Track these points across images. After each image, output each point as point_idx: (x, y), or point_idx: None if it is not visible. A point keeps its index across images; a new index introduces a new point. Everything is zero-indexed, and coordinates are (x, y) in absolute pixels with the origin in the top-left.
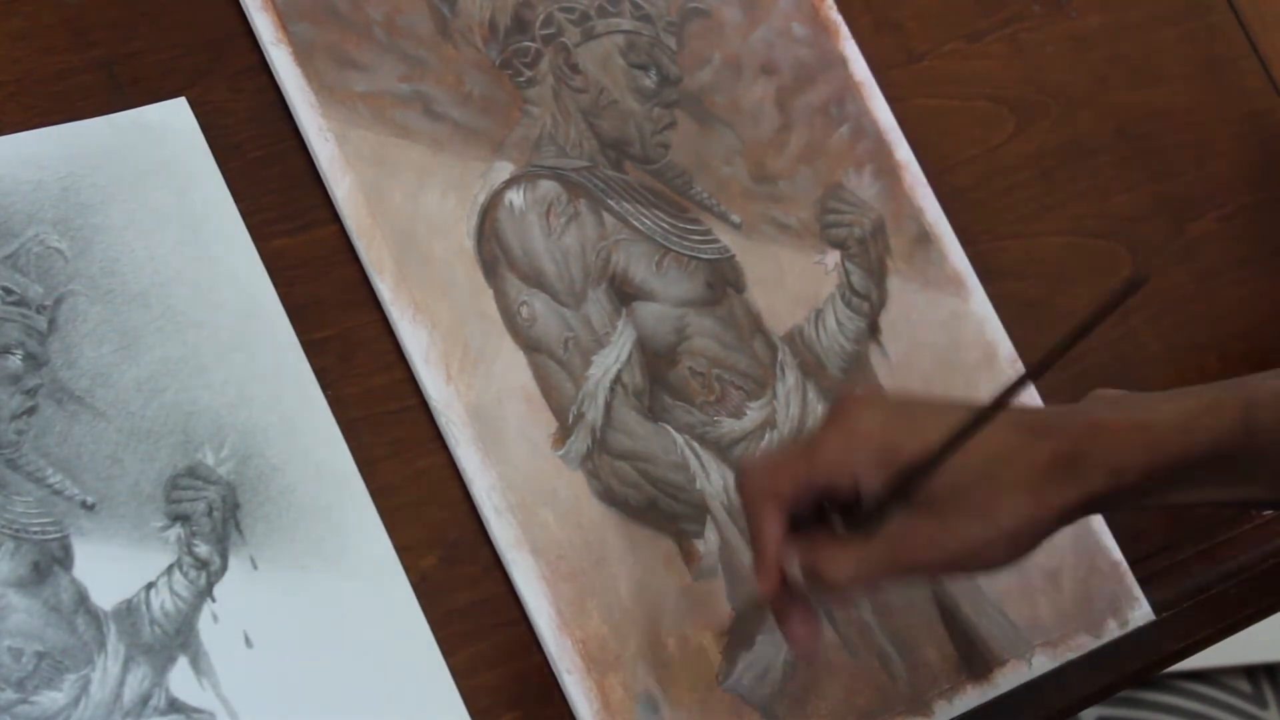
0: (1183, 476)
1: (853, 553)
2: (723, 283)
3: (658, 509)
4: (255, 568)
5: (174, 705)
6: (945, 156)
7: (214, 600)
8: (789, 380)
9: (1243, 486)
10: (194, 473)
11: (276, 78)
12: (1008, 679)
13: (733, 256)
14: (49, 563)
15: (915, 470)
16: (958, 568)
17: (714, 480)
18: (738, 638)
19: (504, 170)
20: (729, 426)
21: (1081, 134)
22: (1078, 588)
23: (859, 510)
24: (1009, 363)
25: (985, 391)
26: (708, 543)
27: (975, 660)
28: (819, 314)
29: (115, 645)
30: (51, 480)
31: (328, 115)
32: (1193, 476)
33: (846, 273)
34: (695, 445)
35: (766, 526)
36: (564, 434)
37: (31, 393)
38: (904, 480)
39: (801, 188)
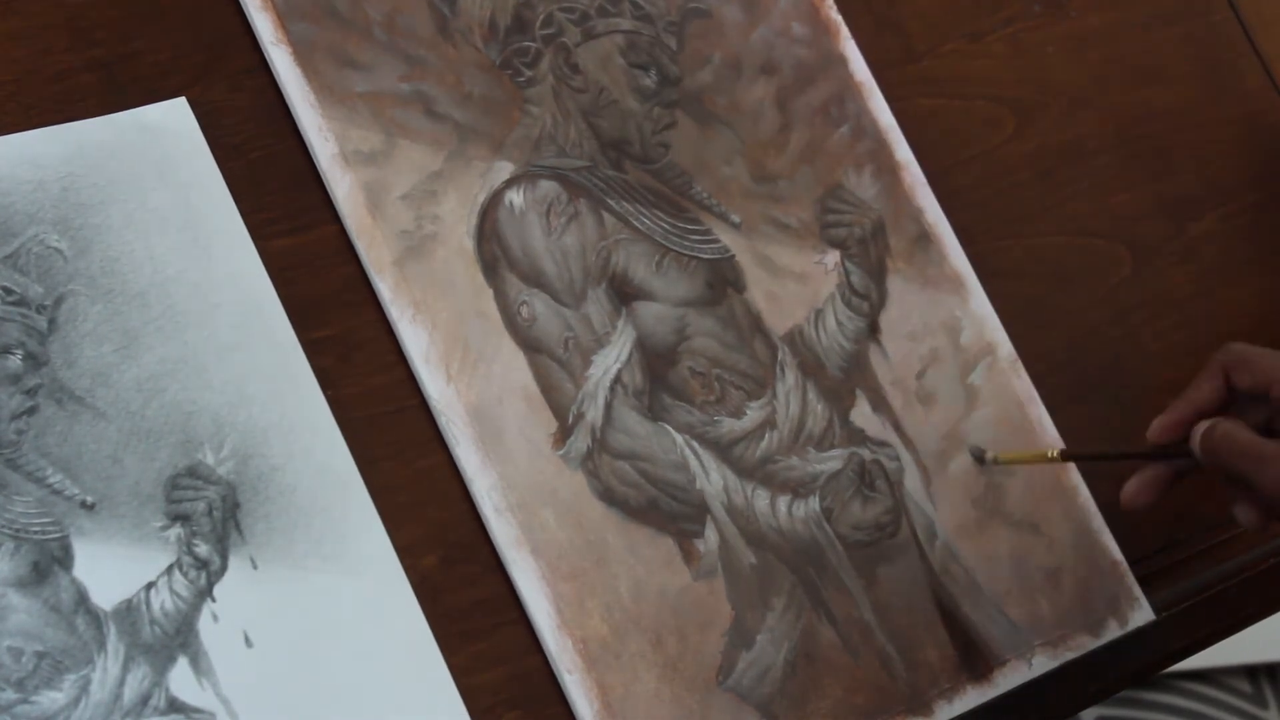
0: None
1: (1253, 438)
2: (723, 283)
3: (658, 509)
4: (255, 568)
5: (174, 705)
6: (945, 156)
7: (214, 600)
8: (789, 380)
9: None
10: (194, 473)
11: (276, 78)
12: (1008, 679)
13: (733, 256)
14: (49, 563)
15: None
16: None
17: (714, 480)
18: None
19: (504, 170)
20: (729, 426)
21: (1081, 134)
22: (1078, 588)
23: None
24: (1009, 363)
25: (989, 391)
26: (708, 543)
27: (975, 660)
28: (819, 314)
29: (115, 645)
30: (51, 480)
31: (328, 115)
32: None
33: (846, 272)
34: (695, 445)
35: (1206, 379)
36: (564, 434)
37: (32, 393)
38: None
39: (801, 188)
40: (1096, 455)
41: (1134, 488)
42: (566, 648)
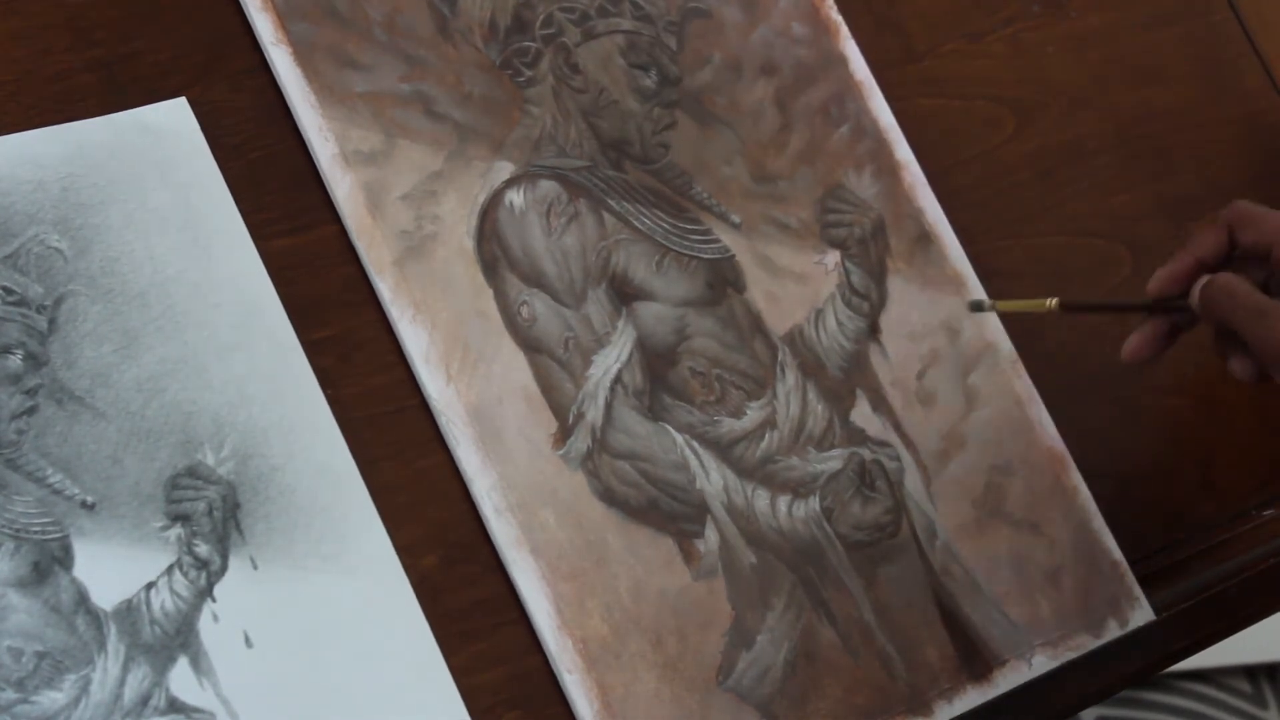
0: None
1: (1252, 292)
2: (723, 283)
3: (658, 509)
4: (255, 568)
5: (174, 705)
6: (945, 156)
7: (214, 600)
8: (789, 380)
9: None
10: (194, 473)
11: (276, 78)
12: (1008, 679)
13: (733, 256)
14: (49, 563)
15: None
16: None
17: (714, 480)
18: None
19: (504, 170)
20: (729, 426)
21: (1081, 134)
22: (1078, 588)
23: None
24: (1009, 363)
25: (989, 391)
26: (708, 543)
27: (975, 660)
28: (819, 314)
29: (115, 645)
30: (52, 480)
31: (328, 115)
32: None
33: (847, 272)
34: (695, 445)
35: (1210, 234)
36: (564, 434)
37: (32, 393)
38: None
39: (801, 188)
40: (1094, 306)
41: (1134, 343)
42: (566, 648)
